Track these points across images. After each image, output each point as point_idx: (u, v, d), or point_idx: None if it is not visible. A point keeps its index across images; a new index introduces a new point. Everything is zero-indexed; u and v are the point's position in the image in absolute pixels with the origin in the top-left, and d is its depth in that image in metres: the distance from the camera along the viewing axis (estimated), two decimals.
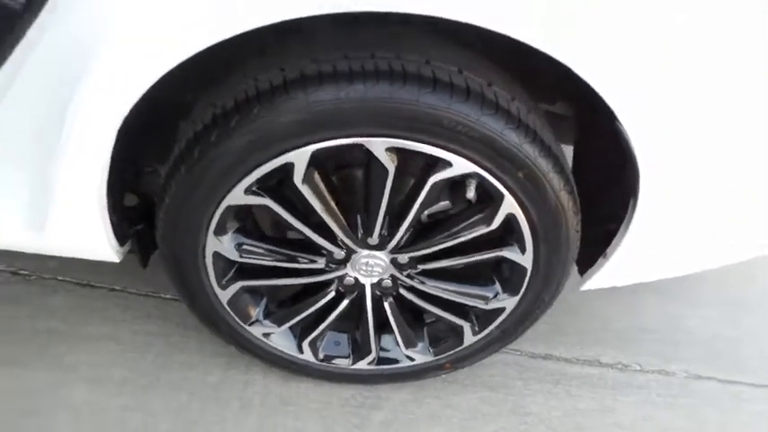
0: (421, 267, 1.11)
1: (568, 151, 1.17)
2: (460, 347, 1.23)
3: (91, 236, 1.05)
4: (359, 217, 1.05)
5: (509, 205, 0.98)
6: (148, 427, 1.23)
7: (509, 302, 1.14)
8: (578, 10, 0.78)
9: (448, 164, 0.92)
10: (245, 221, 1.07)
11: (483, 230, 1.02)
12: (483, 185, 0.96)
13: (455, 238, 1.04)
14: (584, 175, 1.14)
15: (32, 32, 0.90)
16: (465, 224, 1.03)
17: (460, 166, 0.92)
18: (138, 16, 0.80)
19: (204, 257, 1.05)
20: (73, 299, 1.39)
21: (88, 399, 1.26)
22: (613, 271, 1.13)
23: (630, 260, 1.11)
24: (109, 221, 1.05)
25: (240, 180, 0.94)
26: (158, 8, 0.79)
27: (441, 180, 0.95)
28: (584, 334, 1.52)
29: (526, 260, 1.06)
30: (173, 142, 1.08)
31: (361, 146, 0.90)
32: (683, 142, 0.90)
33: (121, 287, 1.43)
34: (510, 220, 1.00)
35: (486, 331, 1.20)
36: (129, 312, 1.40)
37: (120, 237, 1.11)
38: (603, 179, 1.10)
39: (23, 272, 1.44)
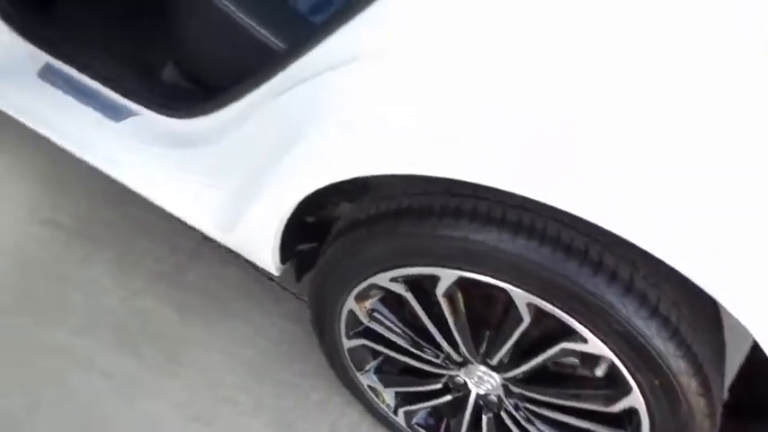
0: (528, 406, 1.09)
1: None
2: None
3: (261, 249, 1.20)
4: (487, 333, 1.06)
5: (635, 400, 0.92)
6: (252, 412, 1.40)
7: None
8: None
9: (584, 339, 0.90)
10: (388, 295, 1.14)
11: (600, 407, 0.98)
12: (614, 369, 0.92)
13: (570, 400, 1.01)
14: (743, 392, 1.03)
15: (288, 72, 1.03)
16: (585, 392, 1.00)
17: (596, 347, 0.89)
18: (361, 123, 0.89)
19: (341, 310, 1.15)
20: (239, 275, 1.58)
21: (216, 365, 1.45)
22: None
23: None
24: (279, 243, 1.18)
25: (390, 270, 1.01)
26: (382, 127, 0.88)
27: (572, 349, 0.92)
28: None
29: None
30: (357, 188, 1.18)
31: None
32: None
33: (279, 280, 1.59)
34: (632, 411, 0.95)
35: None
36: (276, 305, 1.56)
37: (284, 255, 1.24)
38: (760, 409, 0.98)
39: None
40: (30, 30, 1.33)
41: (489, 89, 0.79)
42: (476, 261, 0.90)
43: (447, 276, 0.95)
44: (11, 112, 1.38)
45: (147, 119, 1.27)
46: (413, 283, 1.03)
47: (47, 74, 1.30)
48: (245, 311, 1.55)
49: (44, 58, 1.32)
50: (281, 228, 1.12)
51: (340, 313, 1.16)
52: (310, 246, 1.31)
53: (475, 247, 0.88)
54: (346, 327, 1.19)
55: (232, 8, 1.16)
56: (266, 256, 1.20)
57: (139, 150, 1.28)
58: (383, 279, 1.03)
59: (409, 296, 1.03)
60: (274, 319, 1.55)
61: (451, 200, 0.90)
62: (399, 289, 1.03)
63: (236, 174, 1.19)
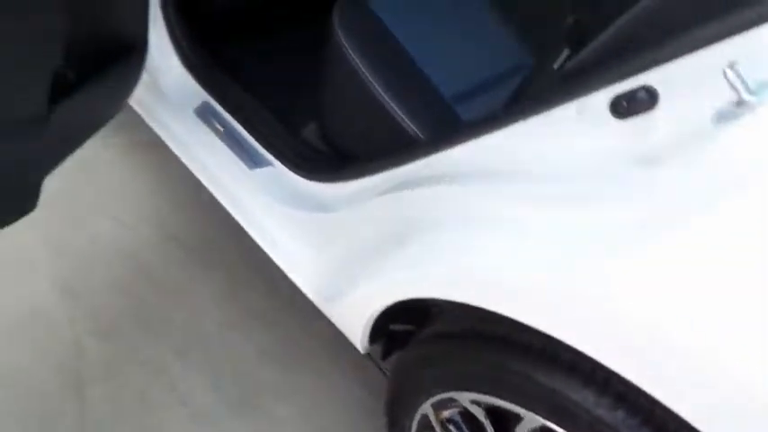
0: None
1: None
2: None
3: (354, 326, 1.20)
4: None
5: None
6: None
7: None
8: None
9: None
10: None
11: None
12: None
13: None
14: None
15: (426, 162, 1.02)
16: None
17: None
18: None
19: (416, 411, 1.11)
20: (328, 332, 1.48)
21: (285, 418, 1.46)
22: None
23: None
24: (371, 325, 1.17)
25: (474, 392, 0.96)
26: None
27: None
28: None
29: None
30: None
31: None
32: None
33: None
34: None
35: None
36: (357, 372, 1.55)
37: (375, 334, 1.23)
38: None
39: None
40: (197, 67, 1.44)
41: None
42: (565, 417, 0.83)
43: (531, 420, 0.89)
44: (163, 137, 1.49)
45: (279, 172, 1.32)
46: (494, 412, 0.97)
47: (203, 112, 1.40)
48: (324, 370, 1.55)
49: (204, 96, 1.41)
50: (379, 312, 1.11)
51: (414, 413, 1.12)
52: (404, 328, 1.29)
53: (568, 404, 0.81)
54: (418, 426, 1.15)
55: (377, 87, 1.18)
56: (356, 333, 1.20)
57: (263, 200, 1.33)
58: (464, 398, 0.99)
59: (487, 423, 0.98)
60: (352, 386, 1.53)
61: (550, 343, 0.85)
62: (479, 413, 0.98)
63: (348, 247, 1.19)
